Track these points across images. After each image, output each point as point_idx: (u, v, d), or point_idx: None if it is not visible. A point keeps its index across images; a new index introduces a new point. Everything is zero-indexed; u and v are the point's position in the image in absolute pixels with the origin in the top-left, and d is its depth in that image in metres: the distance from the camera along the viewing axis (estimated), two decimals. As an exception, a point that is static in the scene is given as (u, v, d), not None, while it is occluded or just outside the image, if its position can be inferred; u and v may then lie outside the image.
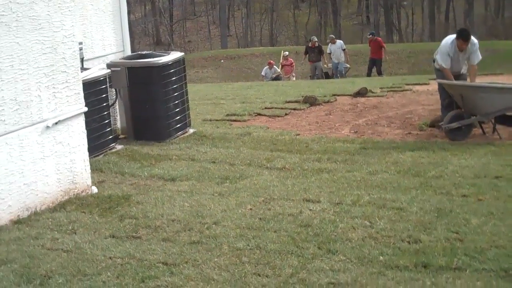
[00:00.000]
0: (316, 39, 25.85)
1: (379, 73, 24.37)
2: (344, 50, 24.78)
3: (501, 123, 9.41)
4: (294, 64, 26.60)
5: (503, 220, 5.58)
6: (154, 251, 5.17)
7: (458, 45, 9.49)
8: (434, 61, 10.02)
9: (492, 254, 4.85)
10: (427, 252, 4.91)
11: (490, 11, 50.56)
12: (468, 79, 10.00)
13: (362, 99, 13.43)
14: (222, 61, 39.64)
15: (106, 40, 10.06)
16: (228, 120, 11.67)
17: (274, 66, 25.52)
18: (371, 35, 26.04)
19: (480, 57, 9.74)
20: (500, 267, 4.61)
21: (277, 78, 24.76)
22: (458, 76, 9.80)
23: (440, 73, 9.81)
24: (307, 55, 25.46)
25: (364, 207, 6.09)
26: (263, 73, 25.82)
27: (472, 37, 9.58)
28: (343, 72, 24.48)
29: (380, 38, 27.03)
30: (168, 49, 43.49)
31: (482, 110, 9.15)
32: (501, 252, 4.87)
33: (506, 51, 31.09)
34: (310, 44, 25.45)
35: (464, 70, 9.95)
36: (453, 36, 9.66)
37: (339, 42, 25.49)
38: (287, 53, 27.15)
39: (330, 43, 25.24)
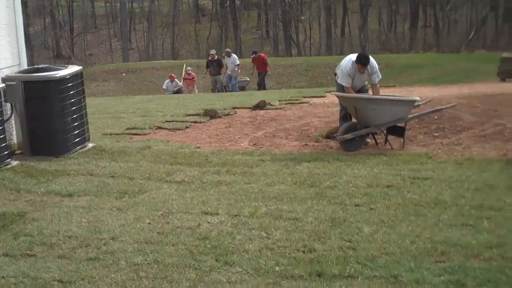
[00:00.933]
0: (214, 52, 26.07)
1: (259, 85, 24.89)
2: (237, 65, 25.05)
3: (392, 134, 9.77)
4: (195, 77, 26.69)
5: (393, 228, 5.82)
6: (49, 269, 5.08)
7: (357, 68, 9.81)
8: (335, 75, 10.31)
9: (383, 261, 5.04)
10: (321, 261, 5.06)
11: (383, 26, 52.37)
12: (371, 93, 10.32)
13: (261, 112, 13.63)
14: (123, 74, 39.22)
15: (0, 54, 9.79)
16: (128, 134, 11.56)
17: (176, 80, 25.51)
18: (254, 54, 26.25)
19: (381, 76, 10.11)
20: (390, 274, 4.80)
21: (178, 91, 24.76)
22: (359, 90, 10.09)
23: (340, 86, 10.06)
24: (208, 69, 25.65)
25: (261, 218, 6.21)
26: (164, 87, 25.74)
27: (372, 60, 9.87)
28: (237, 86, 24.74)
29: (263, 55, 27.60)
30: (68, 62, 42.72)
31: (375, 121, 9.49)
32: (391, 259, 5.08)
33: (398, 64, 32.34)
34: (210, 58, 25.65)
35: (365, 82, 10.28)
36: (354, 57, 9.91)
37: (234, 56, 25.78)
38: (189, 68, 27.20)
39: (226, 57, 25.56)
